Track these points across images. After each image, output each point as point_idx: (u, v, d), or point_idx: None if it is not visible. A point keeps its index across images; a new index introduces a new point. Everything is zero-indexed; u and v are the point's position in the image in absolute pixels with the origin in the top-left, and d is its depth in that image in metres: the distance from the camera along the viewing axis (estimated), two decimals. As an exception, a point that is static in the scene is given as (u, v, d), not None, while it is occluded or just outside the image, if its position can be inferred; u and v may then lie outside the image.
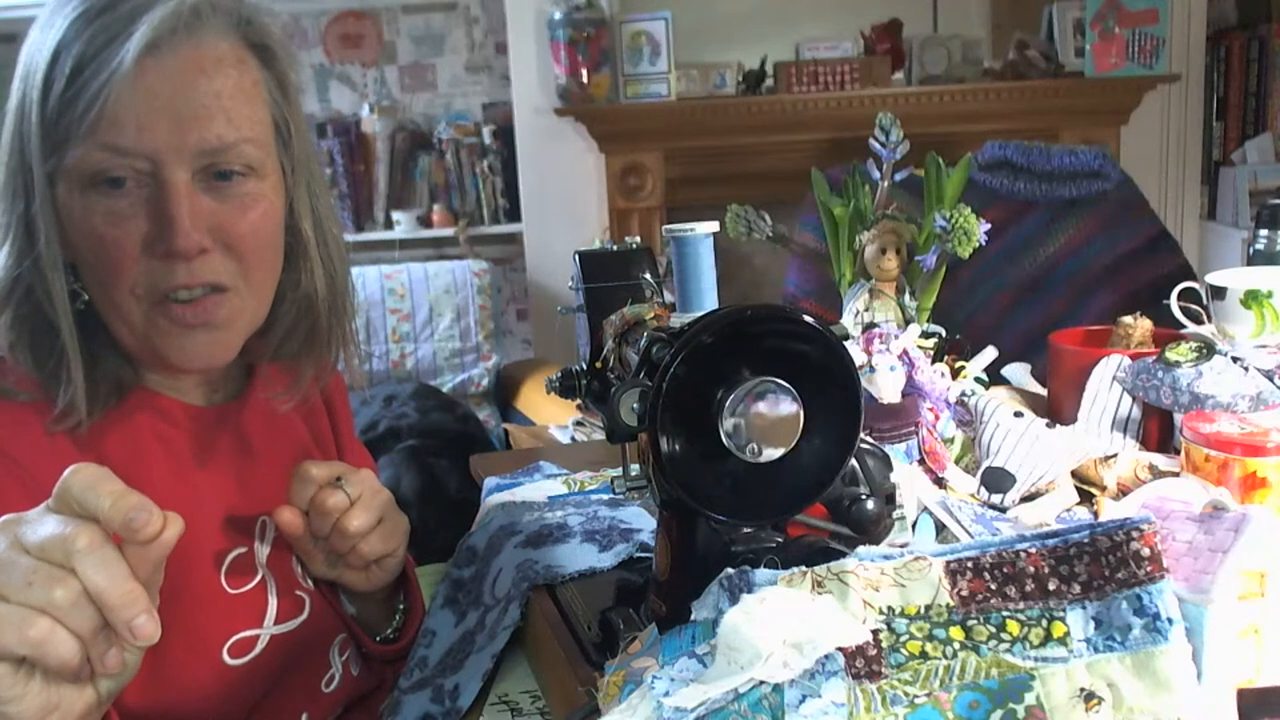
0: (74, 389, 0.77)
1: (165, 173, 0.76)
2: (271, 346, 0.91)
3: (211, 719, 0.82)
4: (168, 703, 0.78)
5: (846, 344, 0.71)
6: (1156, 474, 1.01)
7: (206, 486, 0.86)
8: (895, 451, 0.96)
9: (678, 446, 0.70)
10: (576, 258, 0.97)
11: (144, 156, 0.76)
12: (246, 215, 0.81)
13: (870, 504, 0.75)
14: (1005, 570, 0.65)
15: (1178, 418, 1.07)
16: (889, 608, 0.64)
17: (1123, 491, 1.01)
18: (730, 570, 0.67)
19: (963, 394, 1.17)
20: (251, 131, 0.80)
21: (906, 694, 0.61)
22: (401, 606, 0.99)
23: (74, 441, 0.79)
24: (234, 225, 0.80)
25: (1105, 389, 1.15)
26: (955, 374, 1.19)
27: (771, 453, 0.68)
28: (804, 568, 0.66)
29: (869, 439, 0.89)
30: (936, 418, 1.11)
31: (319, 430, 1.04)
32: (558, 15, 3.21)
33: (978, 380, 1.21)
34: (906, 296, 1.35)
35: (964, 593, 0.65)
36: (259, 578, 0.86)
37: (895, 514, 0.86)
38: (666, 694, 0.62)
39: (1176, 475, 0.96)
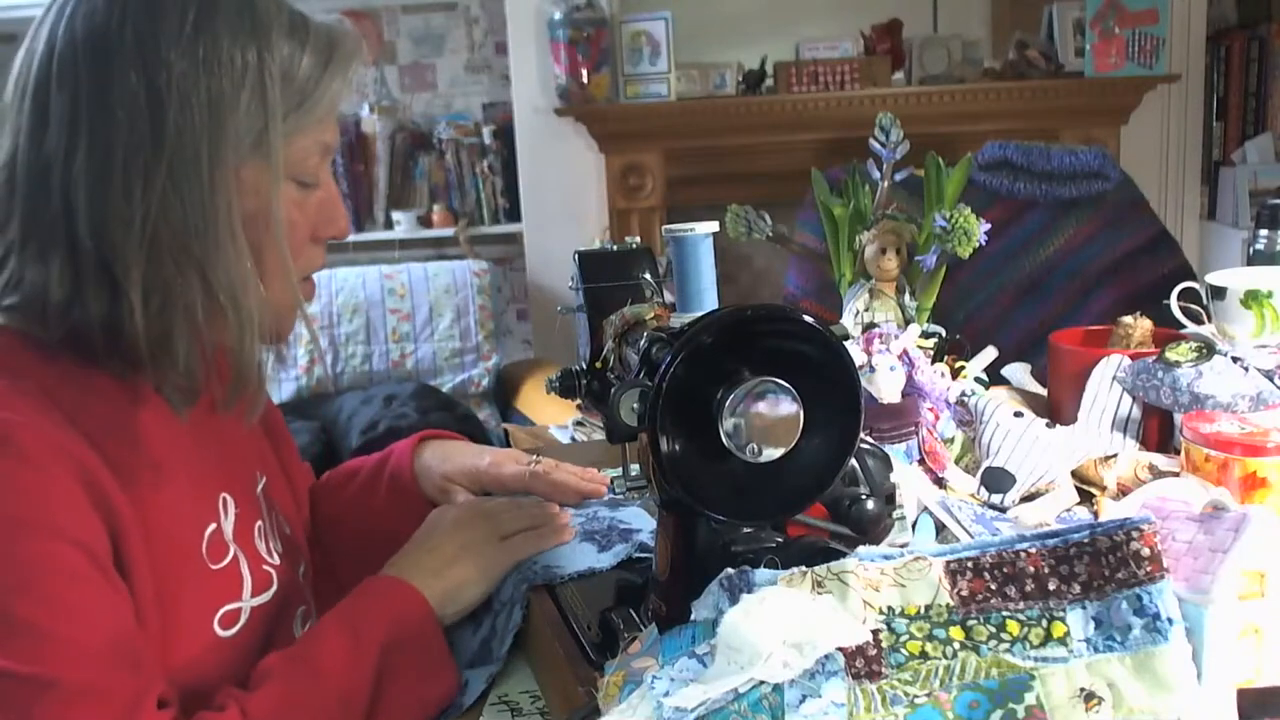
0: (180, 364, 0.79)
1: (327, 168, 0.86)
2: None
3: (210, 694, 0.83)
4: (171, 674, 0.79)
5: (846, 344, 0.72)
6: (1156, 474, 1.01)
7: (180, 465, 0.86)
8: (895, 451, 0.96)
9: (678, 446, 0.70)
10: (576, 258, 0.97)
11: (330, 153, 0.86)
12: None
13: (870, 504, 0.75)
14: (1005, 570, 0.66)
15: (1178, 418, 1.07)
16: (889, 608, 0.64)
17: (1123, 491, 1.01)
18: (730, 570, 0.67)
19: (963, 394, 1.17)
20: None
21: (906, 694, 0.62)
22: None
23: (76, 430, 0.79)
24: None
25: (1105, 389, 1.15)
26: (955, 374, 1.19)
27: (771, 453, 0.68)
28: (804, 568, 0.66)
29: (869, 439, 0.89)
30: (936, 418, 1.11)
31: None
32: (558, 15, 3.21)
33: (978, 380, 1.22)
34: (906, 296, 1.35)
35: (964, 593, 0.65)
36: (232, 553, 0.87)
37: (895, 514, 0.86)
38: (666, 694, 0.62)
39: (1176, 475, 0.96)
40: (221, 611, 0.85)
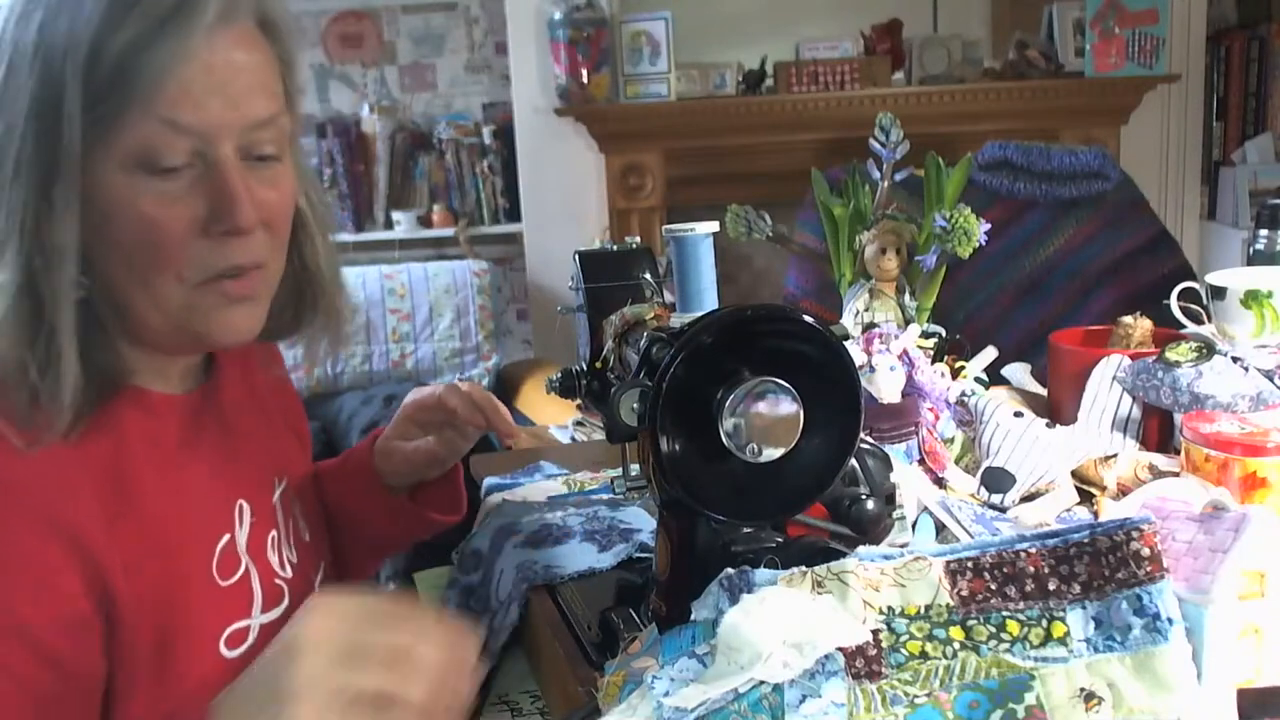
0: (65, 392, 0.74)
1: (218, 150, 0.76)
2: (276, 322, 0.90)
3: None
4: (174, 702, 0.77)
5: (846, 344, 0.72)
6: (1156, 474, 1.01)
7: (192, 477, 0.84)
8: (895, 451, 0.96)
9: (678, 446, 0.70)
10: (576, 258, 0.97)
11: (198, 134, 0.75)
12: (280, 191, 0.82)
13: (870, 504, 0.75)
14: (1005, 570, 0.66)
15: (1178, 418, 1.07)
16: (889, 608, 0.64)
17: (1123, 491, 1.01)
18: (730, 570, 0.67)
19: (963, 394, 1.17)
20: (280, 106, 0.81)
21: (906, 694, 0.62)
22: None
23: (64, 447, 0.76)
24: (271, 203, 0.81)
25: (1105, 389, 1.15)
26: (955, 374, 1.19)
27: (771, 453, 0.68)
28: (804, 568, 0.66)
29: (869, 439, 0.89)
30: (936, 418, 1.11)
31: (288, 402, 1.06)
32: (558, 15, 3.21)
33: (978, 380, 1.21)
34: (906, 296, 1.35)
35: (964, 593, 0.65)
36: (243, 567, 0.85)
37: (895, 514, 0.86)
38: (666, 694, 0.62)
39: (1176, 475, 0.96)
40: (229, 630, 0.83)
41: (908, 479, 0.93)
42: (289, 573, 0.91)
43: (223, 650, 0.82)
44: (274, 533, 0.91)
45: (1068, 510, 1.00)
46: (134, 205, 0.74)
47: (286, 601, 0.89)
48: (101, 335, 0.79)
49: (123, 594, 0.75)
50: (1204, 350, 1.10)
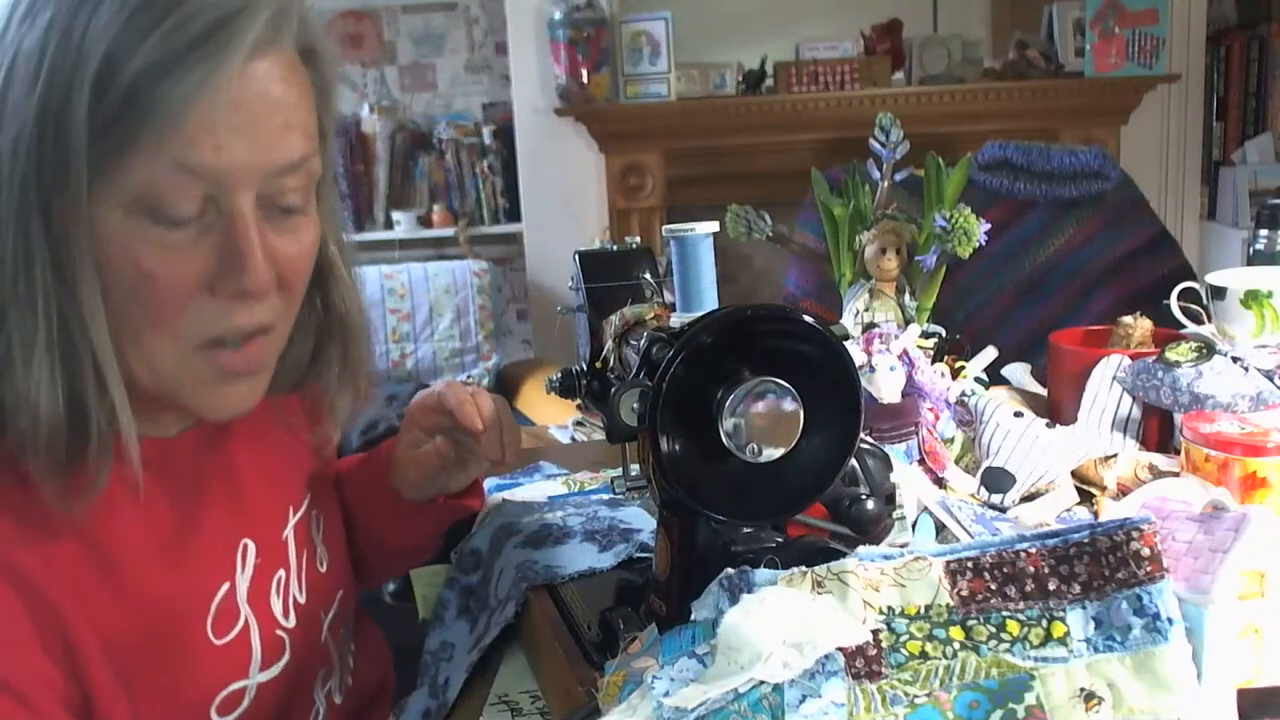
0: (128, 443, 0.68)
1: (234, 199, 0.68)
2: (295, 374, 0.83)
3: None
4: None
5: (846, 344, 0.72)
6: (1156, 474, 1.01)
7: (186, 526, 0.77)
8: (895, 451, 0.96)
9: (678, 446, 0.70)
10: (576, 258, 0.97)
11: (215, 178, 0.66)
12: (299, 245, 0.74)
13: (870, 504, 0.75)
14: (1005, 570, 0.66)
15: (1178, 418, 1.07)
16: (889, 608, 0.64)
17: (1123, 491, 1.01)
18: (730, 570, 0.67)
19: (963, 394, 1.17)
20: (313, 146, 0.73)
21: (906, 694, 0.62)
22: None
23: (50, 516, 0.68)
24: (289, 258, 0.73)
25: (1105, 389, 1.15)
26: (955, 374, 1.19)
27: (771, 453, 0.68)
28: (804, 568, 0.66)
29: (869, 439, 0.89)
30: (936, 418, 1.11)
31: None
32: (558, 15, 3.21)
33: (978, 380, 1.21)
34: (906, 296, 1.35)
35: (964, 593, 0.65)
36: (242, 622, 0.80)
37: (895, 514, 0.86)
38: (666, 694, 0.62)
39: (1176, 475, 0.96)
40: (223, 694, 0.77)
41: (908, 479, 0.93)
42: (292, 621, 0.84)
43: (213, 717, 0.77)
44: (282, 572, 0.85)
45: (1068, 510, 1.00)
46: (131, 253, 0.66)
47: (287, 656, 0.83)
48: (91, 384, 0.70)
49: (99, 670, 0.70)
50: (1204, 350, 1.10)
